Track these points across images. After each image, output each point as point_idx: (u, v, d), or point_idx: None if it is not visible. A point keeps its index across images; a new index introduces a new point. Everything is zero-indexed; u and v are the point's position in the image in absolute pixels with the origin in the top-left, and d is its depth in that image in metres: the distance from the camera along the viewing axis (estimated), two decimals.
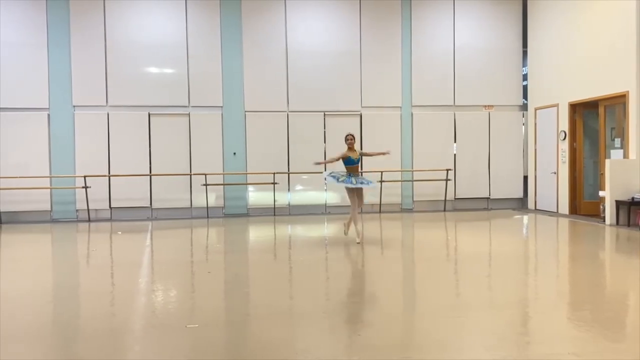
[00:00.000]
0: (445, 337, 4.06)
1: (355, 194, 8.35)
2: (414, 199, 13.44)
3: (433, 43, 13.43)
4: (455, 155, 13.51)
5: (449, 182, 13.17)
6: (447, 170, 13.15)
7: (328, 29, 13.05)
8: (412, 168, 13.32)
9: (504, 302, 5.08)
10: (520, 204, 13.77)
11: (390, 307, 5.03)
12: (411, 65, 13.31)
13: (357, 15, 13.09)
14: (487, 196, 13.62)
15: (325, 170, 9.06)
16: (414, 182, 13.32)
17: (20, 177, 11.53)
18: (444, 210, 13.13)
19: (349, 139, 8.37)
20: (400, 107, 13.34)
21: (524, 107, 13.78)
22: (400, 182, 13.22)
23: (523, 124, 13.80)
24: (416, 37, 13.32)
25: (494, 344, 3.90)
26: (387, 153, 8.99)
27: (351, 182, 8.15)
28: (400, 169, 13.22)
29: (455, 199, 13.48)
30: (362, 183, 8.26)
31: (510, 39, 13.66)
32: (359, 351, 3.76)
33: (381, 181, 12.73)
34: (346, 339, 4.05)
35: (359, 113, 13.14)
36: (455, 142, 13.54)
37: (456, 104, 13.52)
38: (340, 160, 8.45)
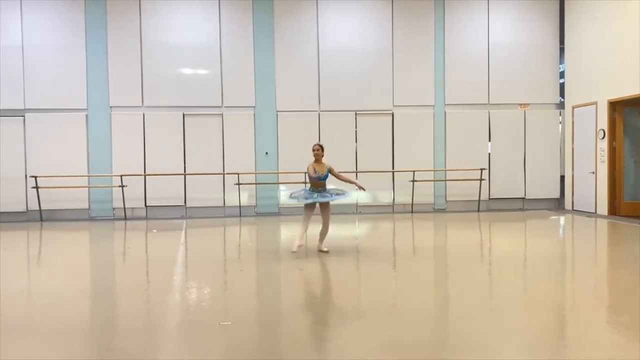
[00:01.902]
0: (479, 338, 4.00)
1: (321, 208, 7.45)
2: (447, 199, 13.26)
3: (467, 40, 13.23)
4: (489, 154, 13.27)
5: (483, 182, 12.95)
6: (481, 169, 12.94)
7: (360, 27, 13.01)
8: (445, 167, 13.15)
9: (540, 305, 4.96)
10: (557, 204, 13.44)
11: (422, 307, 4.98)
12: (444, 63, 13.14)
13: (389, 13, 13.01)
14: (523, 196, 13.33)
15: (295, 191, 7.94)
16: (447, 182, 13.15)
17: (60, 176, 11.88)
18: (478, 211, 12.92)
19: (315, 149, 7.31)
20: (433, 106, 13.19)
21: (561, 105, 13.44)
22: (432, 182, 13.07)
23: (560, 123, 13.45)
24: (450, 33, 13.15)
25: (529, 347, 3.82)
26: (362, 189, 7.69)
27: (312, 197, 7.25)
28: (432, 169, 13.07)
29: (489, 199, 13.25)
30: (325, 197, 7.27)
31: (547, 35, 13.34)
32: (389, 351, 3.73)
33: (413, 181, 12.62)
34: (378, 339, 4.03)
35: (391, 112, 13.05)
36: (489, 141, 13.30)
37: (491, 102, 13.28)
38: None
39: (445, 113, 13.20)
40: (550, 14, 13.30)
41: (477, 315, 4.55)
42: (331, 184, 7.67)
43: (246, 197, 12.61)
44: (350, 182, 7.61)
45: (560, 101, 13.45)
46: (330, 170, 7.38)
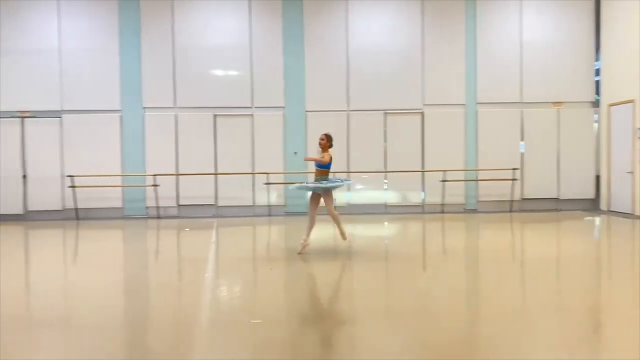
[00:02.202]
0: (511, 340, 3.94)
1: (320, 198, 7.47)
2: (478, 199, 13.08)
3: (499, 37, 13.02)
4: (522, 154, 13.04)
5: (515, 182, 12.73)
6: (514, 169, 12.72)
7: (389, 26, 12.95)
8: (477, 167, 12.98)
9: (575, 307, 4.86)
10: (592, 205, 13.10)
11: (453, 308, 4.93)
12: (476, 61, 12.97)
13: (419, 11, 12.91)
14: (556, 197, 13.05)
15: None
16: (478, 182, 12.98)
17: (95, 176, 12.20)
18: (510, 211, 12.70)
19: (320, 139, 7.58)
20: (464, 105, 13.03)
21: (596, 104, 13.10)
22: (463, 182, 12.91)
23: (595, 122, 13.11)
24: (481, 31, 12.96)
25: (563, 349, 3.74)
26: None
27: (321, 184, 7.29)
28: (463, 168, 12.92)
29: (522, 199, 13.01)
30: (332, 183, 7.37)
31: (582, 32, 13.01)
32: (419, 351, 3.71)
33: (443, 180, 12.50)
34: (407, 339, 4.02)
35: (421, 111, 12.95)
36: (522, 140, 13.06)
37: (523, 100, 13.03)
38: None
39: (476, 112, 13.02)
40: (586, 10, 12.98)
41: (508, 318, 4.48)
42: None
43: (275, 197, 12.70)
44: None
45: (596, 99, 13.11)
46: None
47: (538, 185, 13.02)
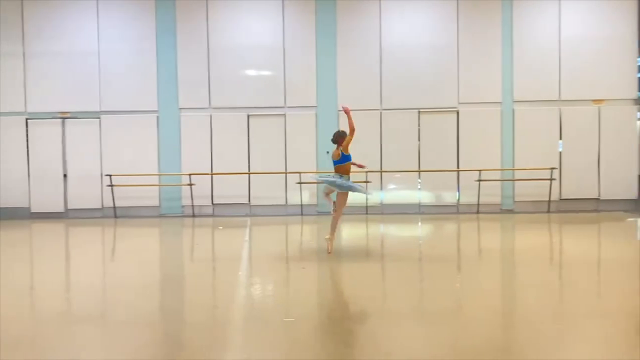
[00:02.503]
0: (546, 344, 3.84)
1: (343, 196, 7.38)
2: (515, 200, 12.81)
3: (537, 33, 12.72)
4: (560, 153, 12.70)
5: (553, 181, 12.41)
6: (552, 169, 12.40)
7: (423, 23, 12.81)
8: (513, 167, 12.71)
9: (614, 312, 4.69)
10: (635, 205, 12.64)
11: (488, 310, 4.84)
12: (512, 58, 12.70)
13: (454, 8, 12.72)
14: (597, 197, 12.66)
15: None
16: (515, 182, 12.71)
17: (132, 175, 12.48)
18: (548, 212, 12.39)
19: (338, 136, 7.49)
20: (501, 103, 12.77)
21: (639, 101, 12.65)
22: (499, 182, 12.67)
23: (638, 119, 12.66)
24: (518, 27, 12.69)
25: (602, 354, 3.62)
26: (361, 166, 7.79)
27: (342, 179, 7.20)
28: (500, 168, 12.67)
29: (560, 199, 12.67)
30: (353, 187, 7.26)
31: (624, 27, 12.57)
32: (453, 353, 3.65)
33: (479, 180, 12.29)
34: (439, 341, 3.96)
35: (456, 110, 12.77)
36: (560, 139, 12.73)
37: (562, 98, 12.70)
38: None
39: (513, 110, 12.76)
40: (627, 4, 12.54)
41: (543, 321, 4.37)
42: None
43: (307, 196, 12.73)
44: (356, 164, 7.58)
45: (638, 96, 12.66)
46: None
47: (577, 185, 12.66)
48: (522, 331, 4.28)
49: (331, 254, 7.24)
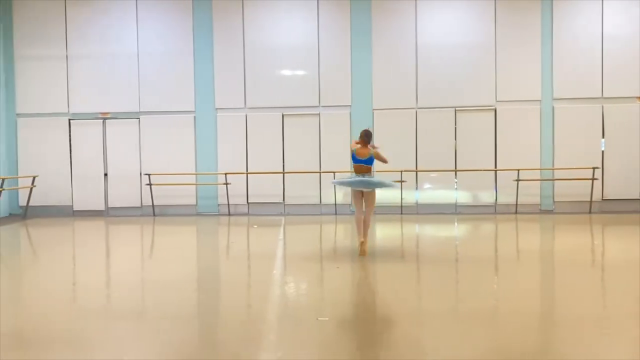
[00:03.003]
0: (586, 348, 3.72)
1: (363, 197, 7.28)
2: (555, 200, 12.49)
3: (578, 29, 12.34)
4: (603, 152, 12.31)
5: (595, 181, 12.03)
6: (594, 168, 12.02)
7: (460, 21, 12.61)
8: (553, 166, 12.39)
9: None
10: None
11: (526, 313, 4.73)
12: (552, 55, 12.37)
13: (491, 4, 12.49)
14: None
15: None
16: (555, 182, 12.38)
17: (170, 174, 12.73)
18: (590, 212, 12.02)
19: (361, 135, 7.40)
20: (540, 101, 12.47)
21: None
22: (539, 182, 12.36)
23: None
24: (558, 23, 12.35)
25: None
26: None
27: (354, 179, 7.17)
28: (539, 167, 12.37)
29: (602, 200, 12.27)
30: (370, 184, 7.08)
31: None
32: (491, 355, 3.59)
33: (517, 180, 12.03)
34: (477, 343, 3.89)
35: (494, 108, 12.52)
36: (603, 137, 12.33)
37: (604, 95, 12.28)
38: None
39: (553, 108, 12.43)
40: None
41: (585, 325, 4.24)
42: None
43: (341, 196, 12.71)
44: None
45: None
46: (376, 156, 7.27)
47: (621, 185, 12.23)
48: (561, 334, 4.17)
49: (366, 255, 7.09)
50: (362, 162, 7.22)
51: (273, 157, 12.83)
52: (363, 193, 7.22)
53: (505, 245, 8.98)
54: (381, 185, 7.19)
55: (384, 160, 7.27)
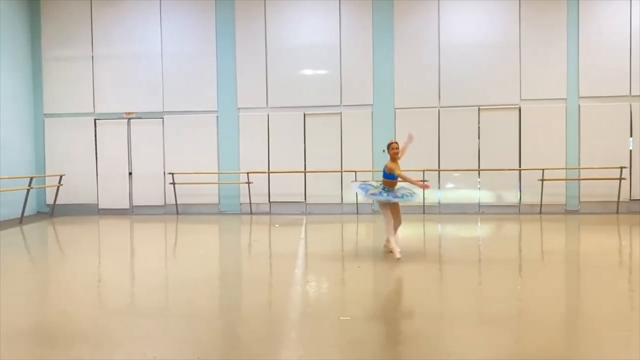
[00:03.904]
0: (612, 351, 3.64)
1: (390, 209, 7.14)
2: (580, 200, 12.26)
3: (605, 26, 12.10)
4: (630, 151, 12.03)
5: (622, 181, 11.78)
6: (621, 168, 11.77)
7: (484, 20, 12.48)
8: (579, 165, 12.16)
9: None
10: None
11: (551, 315, 4.65)
12: (578, 52, 12.15)
13: (516, 3, 12.31)
14: None
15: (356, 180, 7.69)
16: (581, 182, 12.15)
17: (193, 173, 12.86)
18: (617, 213, 11.77)
19: (394, 148, 7.05)
20: (565, 99, 12.26)
21: None
22: (564, 181, 12.15)
23: None
24: (584, 20, 12.12)
25: None
26: (426, 187, 7.00)
27: (382, 196, 6.97)
28: (564, 167, 12.16)
29: (630, 200, 12.01)
30: (397, 197, 6.95)
31: None
32: (510, 354, 3.54)
33: (542, 180, 11.84)
34: (500, 345, 3.84)
35: (518, 106, 12.35)
36: (631, 136, 12.05)
37: (632, 93, 12.02)
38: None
39: (579, 106, 12.21)
40: None
41: (610, 328, 4.15)
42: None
43: (363, 195, 12.64)
44: (412, 182, 6.98)
45: None
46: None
47: None
48: (587, 336, 4.09)
49: (400, 258, 6.86)
50: (394, 177, 7.00)
51: (294, 157, 12.87)
52: (390, 204, 7.13)
53: (531, 246, 8.85)
54: (404, 199, 7.00)
55: (401, 177, 6.97)
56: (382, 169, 7.23)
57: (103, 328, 4.42)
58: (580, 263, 7.29)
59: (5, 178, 11.19)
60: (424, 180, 7.21)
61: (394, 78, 12.67)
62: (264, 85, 13.01)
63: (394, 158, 7.03)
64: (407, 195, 7.04)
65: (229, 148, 13.13)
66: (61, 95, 13.43)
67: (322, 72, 12.96)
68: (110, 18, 13.27)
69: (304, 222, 11.40)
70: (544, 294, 5.38)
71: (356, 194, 12.43)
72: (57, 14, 13.39)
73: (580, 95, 12.20)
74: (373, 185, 7.33)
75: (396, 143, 7.15)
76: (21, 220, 11.73)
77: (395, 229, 7.19)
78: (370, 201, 12.68)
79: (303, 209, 12.97)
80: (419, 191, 7.49)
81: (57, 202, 12.91)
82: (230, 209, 13.16)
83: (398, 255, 6.88)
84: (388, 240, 7.25)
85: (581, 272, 6.73)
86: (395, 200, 6.96)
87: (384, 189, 7.08)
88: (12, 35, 12.73)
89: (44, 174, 13.38)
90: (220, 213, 13.09)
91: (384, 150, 12.58)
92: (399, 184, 7.21)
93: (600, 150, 12.01)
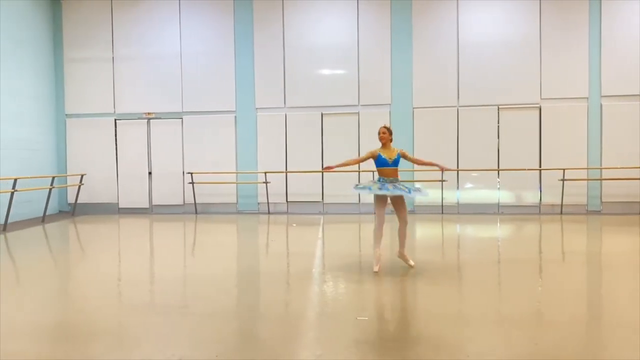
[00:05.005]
0: (636, 357, 3.57)
1: (393, 203, 6.44)
2: (602, 200, 12.06)
3: (628, 24, 11.87)
4: None
5: None
6: None
7: (503, 18, 12.34)
8: (601, 165, 11.96)
9: None
10: None
11: (572, 317, 4.58)
12: (601, 50, 11.94)
13: (537, 3, 12.15)
14: None
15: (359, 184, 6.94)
16: (603, 182, 11.95)
17: (212, 173, 12.95)
18: None
19: (381, 132, 6.49)
20: (587, 98, 12.07)
21: None
22: (585, 181, 11.96)
23: None
24: (607, 17, 11.91)
25: None
26: (444, 168, 6.69)
27: (386, 189, 6.11)
28: (586, 167, 11.96)
29: None
30: (401, 190, 6.10)
31: None
32: (530, 355, 3.49)
33: (563, 180, 11.67)
34: (520, 347, 3.79)
35: (538, 106, 12.20)
36: None
37: None
38: (373, 163, 6.52)
39: (601, 105, 12.00)
40: None
41: (635, 330, 4.07)
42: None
43: (367, 192, 12.59)
44: (432, 164, 6.47)
45: None
46: (403, 155, 6.44)
47: None
48: (608, 339, 4.01)
49: (377, 272, 6.21)
50: (388, 164, 6.36)
51: (312, 156, 12.87)
52: (388, 198, 6.38)
53: (552, 246, 8.72)
54: (408, 191, 6.18)
55: (420, 162, 6.51)
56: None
57: (123, 325, 4.47)
58: (602, 264, 7.16)
59: (28, 177, 11.40)
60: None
61: (412, 77, 12.60)
62: (282, 85, 13.04)
63: (384, 143, 6.45)
64: (416, 190, 6.38)
65: (247, 148, 13.19)
66: (82, 96, 13.63)
67: (339, 71, 12.95)
68: (130, 19, 13.43)
69: (321, 222, 11.40)
70: (564, 296, 5.30)
71: (359, 195, 12.40)
72: (78, 16, 13.59)
73: (603, 94, 11.99)
74: (373, 182, 6.62)
75: (383, 127, 6.60)
76: (43, 219, 11.93)
77: (402, 232, 6.48)
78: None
79: (320, 209, 12.97)
80: (422, 188, 6.78)
81: (78, 202, 13.10)
82: (248, 208, 13.22)
83: (376, 269, 6.24)
84: (401, 247, 6.56)
85: (603, 273, 6.61)
86: (401, 193, 6.08)
87: (382, 180, 6.32)
88: (35, 38, 12.95)
89: (66, 173, 13.59)
90: (238, 212, 13.15)
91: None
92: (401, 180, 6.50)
93: (622, 150, 11.79)
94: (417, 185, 6.60)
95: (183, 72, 13.31)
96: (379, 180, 6.38)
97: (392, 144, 6.56)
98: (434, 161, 6.73)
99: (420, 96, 12.59)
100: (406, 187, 6.21)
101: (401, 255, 6.61)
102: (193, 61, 13.30)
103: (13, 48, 12.06)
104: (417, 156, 7.16)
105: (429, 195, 6.75)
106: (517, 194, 12.35)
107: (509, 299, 5.29)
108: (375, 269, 6.26)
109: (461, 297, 5.47)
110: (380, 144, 6.53)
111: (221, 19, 13.21)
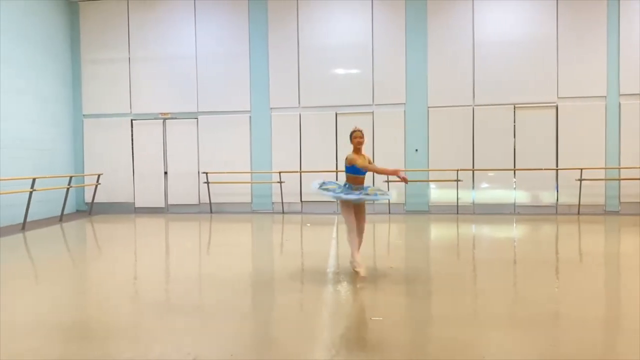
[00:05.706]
0: None
1: (355, 209, 6.17)
2: (621, 200, 11.88)
3: None
4: None
5: None
6: None
7: (519, 17, 12.23)
8: (619, 165, 11.79)
9: None
10: None
11: (589, 318, 4.52)
12: (619, 48, 11.78)
13: (553, 2, 12.02)
14: None
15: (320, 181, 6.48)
16: (621, 182, 11.77)
17: (227, 172, 13.02)
18: None
19: (357, 137, 6.14)
20: (605, 97, 11.90)
21: None
22: (604, 181, 11.80)
23: None
24: (625, 15, 11.74)
25: None
26: (405, 180, 6.09)
27: (352, 194, 5.89)
28: (604, 167, 11.80)
29: None
30: (367, 195, 5.92)
31: None
32: (547, 356, 3.45)
33: (580, 179, 11.53)
34: (537, 349, 3.75)
35: (555, 104, 12.06)
36: None
37: None
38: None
39: (619, 104, 11.83)
40: None
41: None
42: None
43: (395, 195, 12.59)
44: (392, 173, 5.96)
45: None
46: (369, 163, 6.17)
47: None
48: (627, 341, 3.95)
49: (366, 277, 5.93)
50: (361, 172, 6.08)
51: (326, 156, 12.88)
52: (354, 205, 6.11)
53: (569, 247, 8.62)
54: (374, 196, 6.07)
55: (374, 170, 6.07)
56: (406, 168, 6.22)
57: (139, 324, 4.51)
58: (620, 265, 7.06)
59: (46, 177, 11.56)
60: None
61: (427, 76, 12.54)
62: (296, 85, 13.06)
63: (357, 148, 6.11)
64: (382, 194, 6.12)
65: (262, 148, 13.23)
66: (99, 97, 13.79)
67: (354, 71, 12.93)
68: (146, 21, 13.55)
69: (336, 221, 11.39)
70: (582, 297, 5.23)
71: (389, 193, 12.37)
72: (96, 17, 13.75)
73: (621, 92, 11.83)
74: (337, 184, 6.32)
75: (359, 132, 6.22)
76: (61, 218, 12.09)
77: (360, 233, 6.21)
78: (404, 200, 12.58)
79: (335, 209, 12.96)
80: (386, 192, 6.52)
81: (95, 201, 13.25)
82: (263, 207, 13.26)
83: (363, 273, 5.98)
84: (352, 256, 6.14)
85: (622, 274, 6.51)
86: (367, 199, 5.92)
87: (348, 186, 6.07)
88: (53, 39, 13.13)
89: (83, 173, 13.76)
90: (253, 212, 13.20)
91: (416, 150, 12.52)
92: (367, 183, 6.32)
93: None
94: (380, 189, 6.32)
95: (198, 73, 13.40)
96: (344, 186, 6.13)
97: (363, 150, 6.22)
98: (394, 170, 6.17)
99: (436, 95, 12.53)
100: (374, 193, 6.05)
101: (353, 264, 6.21)
102: (208, 62, 13.38)
103: (32, 50, 12.24)
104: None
105: (392, 196, 6.55)
106: (534, 194, 12.23)
107: (526, 300, 5.24)
108: (363, 273, 6.01)
109: (477, 298, 5.43)
110: (352, 149, 6.18)
111: (236, 20, 13.27)
